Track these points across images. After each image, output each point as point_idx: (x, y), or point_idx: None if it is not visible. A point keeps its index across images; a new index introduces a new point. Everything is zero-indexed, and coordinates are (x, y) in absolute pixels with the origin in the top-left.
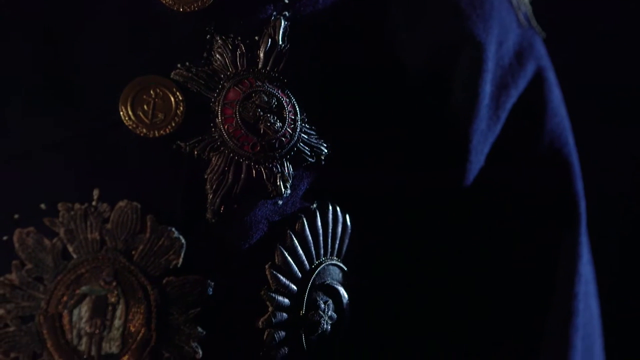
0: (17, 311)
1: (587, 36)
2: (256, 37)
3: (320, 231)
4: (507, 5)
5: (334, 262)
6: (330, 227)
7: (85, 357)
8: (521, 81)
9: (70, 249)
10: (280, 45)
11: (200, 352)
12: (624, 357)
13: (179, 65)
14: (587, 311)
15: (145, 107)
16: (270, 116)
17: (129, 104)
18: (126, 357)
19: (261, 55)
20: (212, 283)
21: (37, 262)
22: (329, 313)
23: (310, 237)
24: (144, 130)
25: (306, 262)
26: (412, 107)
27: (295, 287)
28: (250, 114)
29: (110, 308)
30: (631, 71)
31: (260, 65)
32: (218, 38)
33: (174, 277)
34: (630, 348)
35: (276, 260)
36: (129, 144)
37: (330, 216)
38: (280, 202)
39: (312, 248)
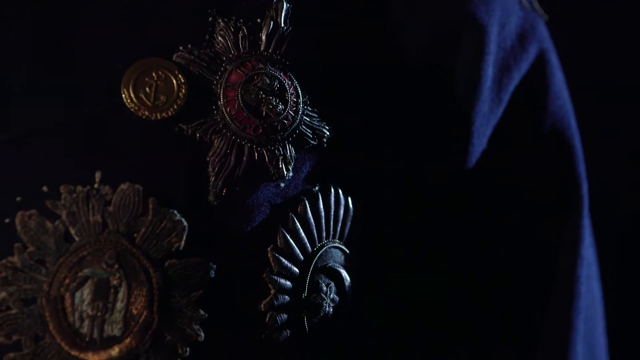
0: (19, 294)
1: (590, 19)
2: (258, 20)
3: (322, 214)
4: None
5: (336, 244)
6: (332, 210)
7: (87, 339)
8: (523, 64)
9: (73, 231)
10: (283, 28)
11: (202, 335)
12: (626, 339)
13: (181, 48)
14: (589, 294)
15: (147, 89)
16: (272, 99)
17: (131, 87)
18: (128, 339)
19: (263, 37)
20: (214, 266)
21: (39, 245)
22: (331, 296)
23: (312, 220)
24: (146, 113)
25: (308, 245)
26: (414, 90)
27: (297, 270)
28: (253, 96)
29: (112, 291)
30: (633, 57)
31: (262, 48)
32: (220, 20)
33: (176, 260)
34: (633, 331)
35: (278, 243)
36: (131, 127)
37: (332, 199)
38: (282, 185)
39: (314, 231)
